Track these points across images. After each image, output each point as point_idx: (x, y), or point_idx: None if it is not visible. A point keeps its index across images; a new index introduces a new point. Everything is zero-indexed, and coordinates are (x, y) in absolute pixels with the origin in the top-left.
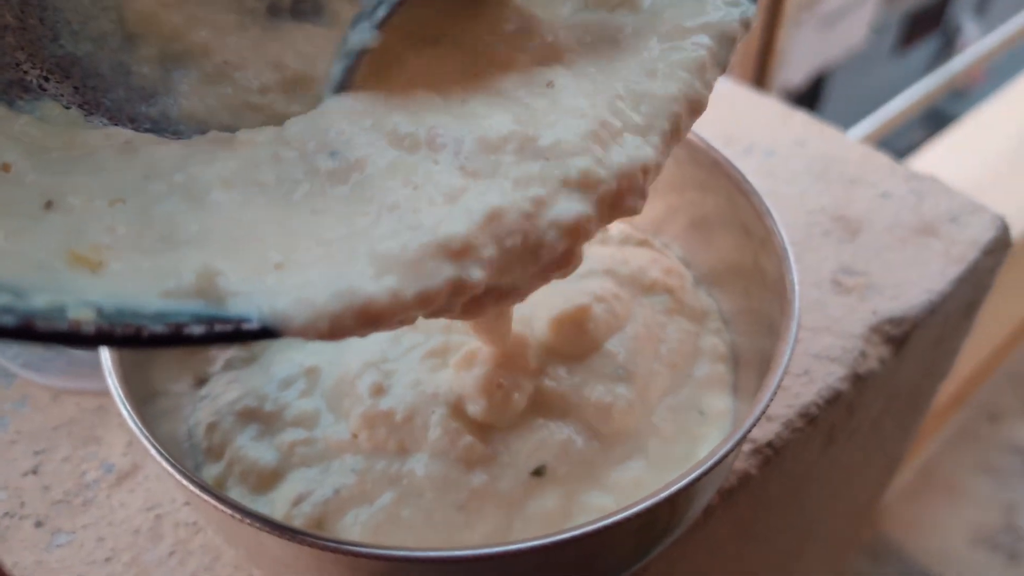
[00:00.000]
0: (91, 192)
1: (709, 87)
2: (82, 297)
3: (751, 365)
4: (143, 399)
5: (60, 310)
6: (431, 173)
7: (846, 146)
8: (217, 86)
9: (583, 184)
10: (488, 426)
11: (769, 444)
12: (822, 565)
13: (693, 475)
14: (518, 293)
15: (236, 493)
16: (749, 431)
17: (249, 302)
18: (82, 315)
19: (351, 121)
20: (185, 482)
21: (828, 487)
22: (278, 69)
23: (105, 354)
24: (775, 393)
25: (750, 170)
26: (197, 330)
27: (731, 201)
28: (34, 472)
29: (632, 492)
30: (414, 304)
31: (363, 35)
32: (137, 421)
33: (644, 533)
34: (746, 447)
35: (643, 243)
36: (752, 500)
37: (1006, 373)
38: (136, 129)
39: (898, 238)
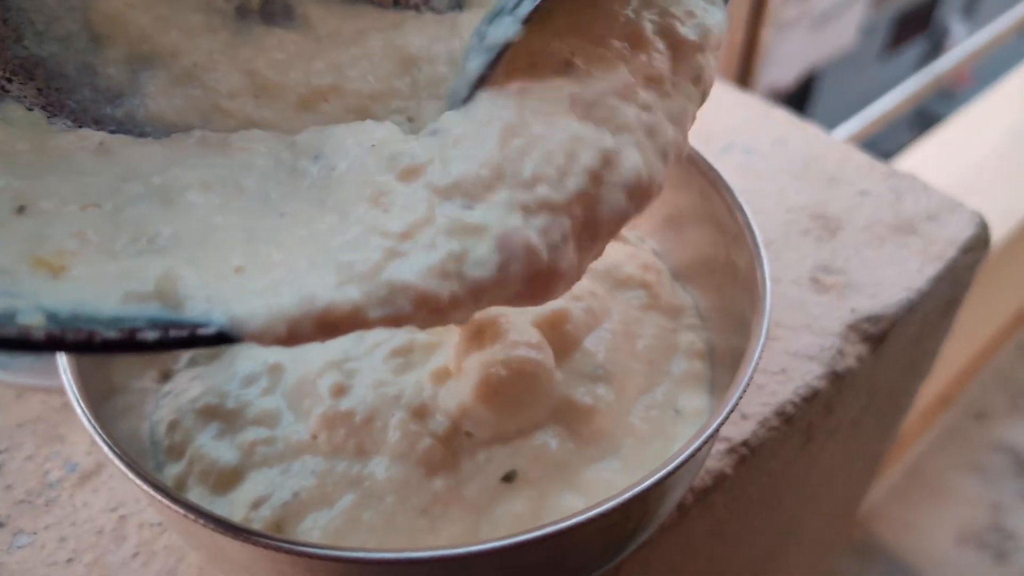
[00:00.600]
0: (64, 196)
1: None
2: (37, 302)
3: (727, 362)
4: (103, 396)
5: (10, 315)
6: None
7: (826, 144)
8: (186, 88)
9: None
10: (453, 433)
11: (745, 443)
12: (804, 566)
13: (660, 474)
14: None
15: (196, 494)
16: (717, 430)
17: (207, 306)
18: (33, 321)
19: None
20: (140, 482)
21: (808, 487)
22: (249, 74)
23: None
24: (745, 390)
25: (729, 168)
26: (151, 335)
27: (705, 197)
28: None
29: (605, 493)
30: (377, 316)
31: (507, 29)
32: (91, 417)
33: (613, 532)
34: (721, 446)
35: (617, 237)
36: (728, 500)
37: (992, 372)
38: (102, 131)
39: (877, 236)
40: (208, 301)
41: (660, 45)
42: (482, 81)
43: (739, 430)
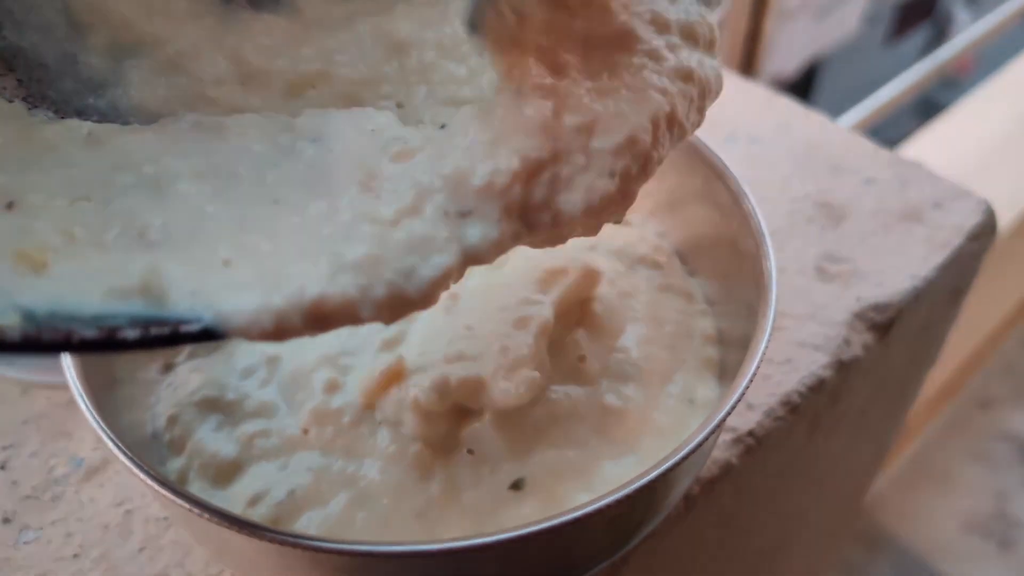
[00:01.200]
0: (53, 190)
1: None
2: (14, 300)
3: (736, 347)
4: (106, 388)
5: None
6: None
7: (830, 132)
8: (170, 77)
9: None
10: (451, 441)
11: (751, 433)
12: (810, 556)
13: (664, 466)
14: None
15: (197, 488)
16: (722, 422)
17: (191, 301)
18: (8, 321)
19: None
20: (145, 478)
21: (814, 477)
22: (235, 62)
23: None
24: (751, 380)
25: (734, 156)
26: (132, 334)
27: (709, 185)
28: (2, 467)
29: None
30: (370, 310)
31: None
32: (95, 414)
33: (620, 524)
34: (727, 436)
35: (622, 223)
36: (735, 490)
37: (997, 361)
38: (88, 122)
39: (882, 224)
40: (193, 296)
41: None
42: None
43: (745, 420)
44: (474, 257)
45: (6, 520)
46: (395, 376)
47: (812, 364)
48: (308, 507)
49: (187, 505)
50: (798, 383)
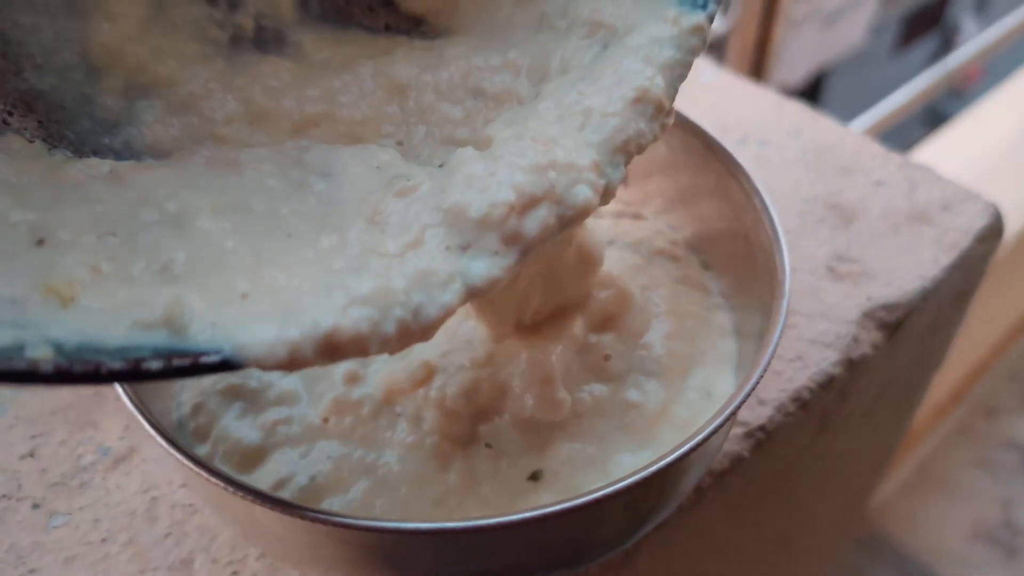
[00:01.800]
0: (80, 226)
1: None
2: (46, 333)
3: (751, 342)
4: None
5: (19, 348)
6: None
7: (840, 135)
8: (182, 116)
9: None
10: (470, 434)
11: (762, 428)
12: (816, 555)
13: (675, 454)
14: None
15: None
16: (734, 414)
17: (211, 333)
18: (41, 354)
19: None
20: (180, 456)
21: (821, 474)
22: (244, 102)
23: None
24: (764, 371)
25: (745, 159)
26: (155, 365)
27: (722, 182)
28: (31, 455)
29: None
30: (378, 344)
31: None
32: (133, 398)
33: (635, 508)
34: (738, 430)
35: (637, 217)
36: (745, 483)
37: (1004, 369)
38: (108, 160)
39: (891, 226)
40: (213, 328)
41: None
42: None
43: (756, 415)
44: (476, 293)
45: (36, 506)
46: (423, 380)
47: (822, 361)
48: (329, 493)
49: (222, 484)
50: (808, 379)
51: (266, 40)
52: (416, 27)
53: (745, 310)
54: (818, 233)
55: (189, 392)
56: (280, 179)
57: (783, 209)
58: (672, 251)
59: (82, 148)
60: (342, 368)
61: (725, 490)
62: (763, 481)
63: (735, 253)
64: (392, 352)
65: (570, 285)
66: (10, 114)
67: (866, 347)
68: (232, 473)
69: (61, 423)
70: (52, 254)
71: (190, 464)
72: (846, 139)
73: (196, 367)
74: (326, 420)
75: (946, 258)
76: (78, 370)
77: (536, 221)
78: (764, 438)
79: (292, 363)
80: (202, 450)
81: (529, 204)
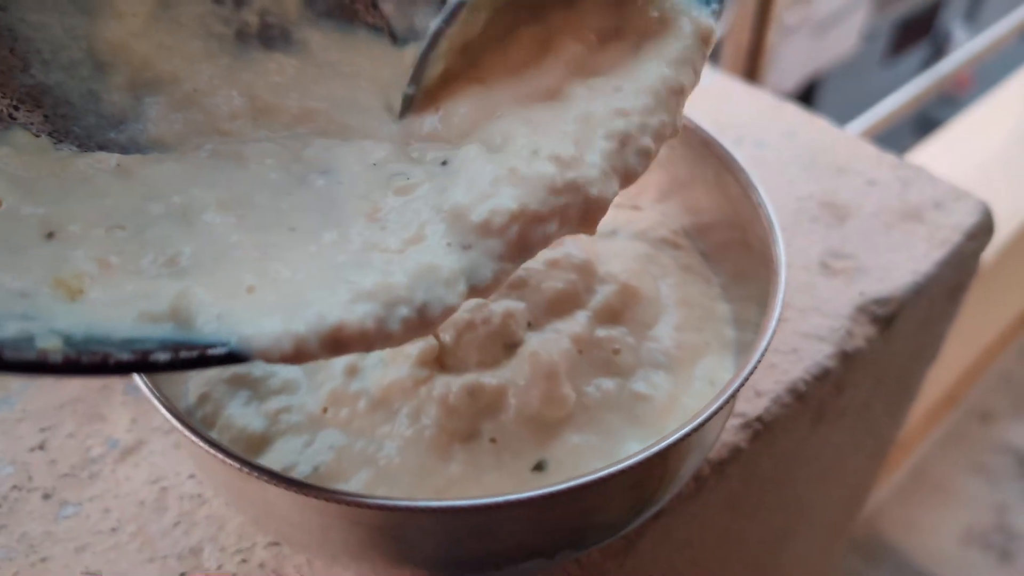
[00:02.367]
0: (90, 220)
1: None
2: (53, 326)
3: (751, 330)
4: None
5: (28, 339)
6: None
7: (834, 136)
8: (187, 112)
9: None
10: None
11: (759, 419)
12: (813, 552)
13: (675, 437)
14: None
15: None
16: (731, 398)
17: (217, 326)
18: (50, 345)
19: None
20: (196, 439)
21: (818, 467)
22: (249, 98)
23: None
24: (760, 359)
25: (741, 159)
26: (163, 357)
27: (720, 178)
28: (41, 447)
29: None
30: (383, 339)
31: None
32: (151, 387)
33: (635, 491)
34: (736, 421)
35: (635, 207)
36: (743, 473)
37: (997, 374)
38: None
39: (884, 223)
40: (219, 320)
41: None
42: (437, 38)
43: (754, 406)
44: (479, 293)
45: (46, 496)
46: (426, 379)
47: (817, 354)
48: (332, 482)
49: (238, 465)
50: (804, 372)
51: (272, 37)
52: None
53: (743, 300)
54: (812, 231)
55: (195, 382)
56: (282, 173)
57: (778, 208)
58: (674, 240)
59: (87, 143)
60: (343, 361)
61: (724, 480)
62: (761, 472)
63: (732, 246)
64: (394, 346)
65: None
66: (16, 108)
67: (860, 340)
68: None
69: (70, 416)
70: (62, 247)
71: (205, 446)
72: (840, 140)
73: (203, 359)
74: (325, 410)
75: (937, 254)
76: (86, 361)
77: (539, 233)
78: (762, 429)
79: (297, 356)
80: None
81: (533, 219)
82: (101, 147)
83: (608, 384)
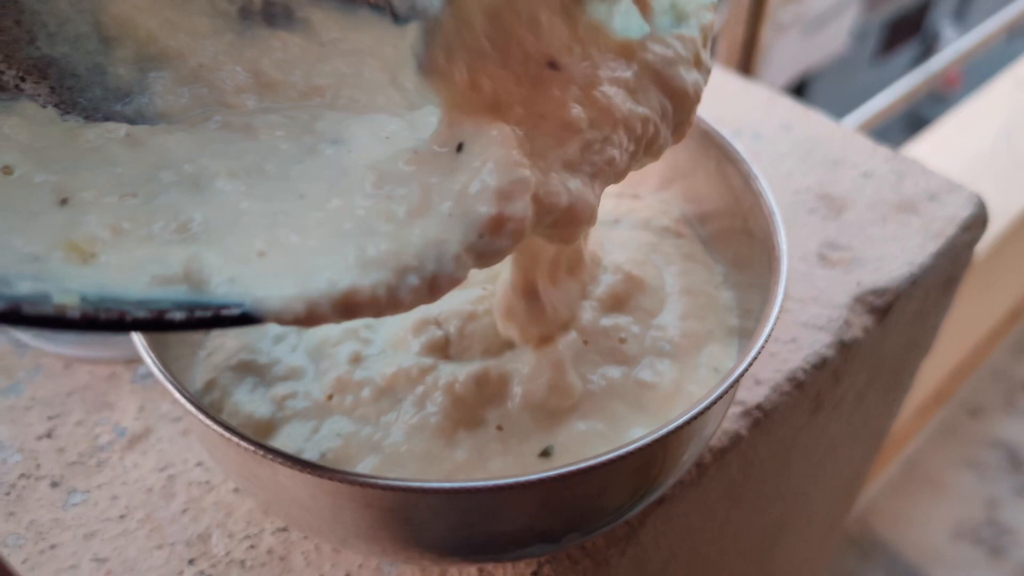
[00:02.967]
0: (102, 187)
1: None
2: (65, 287)
3: (752, 317)
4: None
5: (45, 296)
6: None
7: (830, 130)
8: (192, 87)
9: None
10: (474, 415)
11: (759, 407)
12: (807, 543)
13: (677, 423)
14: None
15: None
16: (733, 385)
17: (230, 288)
18: (67, 300)
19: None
20: (208, 421)
21: (815, 456)
22: (254, 74)
23: None
24: (763, 347)
25: (738, 149)
26: (178, 316)
27: (720, 167)
28: (48, 436)
29: None
30: (394, 304)
31: None
32: (165, 371)
33: (640, 475)
34: (736, 409)
35: (636, 196)
36: (743, 462)
37: (987, 370)
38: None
39: (880, 215)
40: (232, 283)
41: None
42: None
43: (754, 394)
44: (486, 261)
45: (54, 484)
46: (431, 369)
47: (816, 343)
48: (340, 468)
49: (251, 447)
50: (803, 360)
51: (275, 15)
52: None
53: (745, 287)
54: (809, 222)
55: (201, 368)
56: (292, 143)
57: (776, 200)
58: (676, 228)
59: (94, 115)
60: (347, 349)
61: (724, 467)
62: (760, 461)
63: (733, 234)
64: (401, 312)
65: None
66: (23, 79)
67: (857, 330)
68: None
69: (77, 404)
70: (75, 213)
71: (220, 429)
72: (836, 133)
73: (217, 319)
74: (330, 397)
75: (933, 245)
76: (104, 317)
77: (544, 222)
78: (761, 417)
79: (309, 319)
80: None
81: (543, 212)
82: (107, 119)
83: (614, 372)
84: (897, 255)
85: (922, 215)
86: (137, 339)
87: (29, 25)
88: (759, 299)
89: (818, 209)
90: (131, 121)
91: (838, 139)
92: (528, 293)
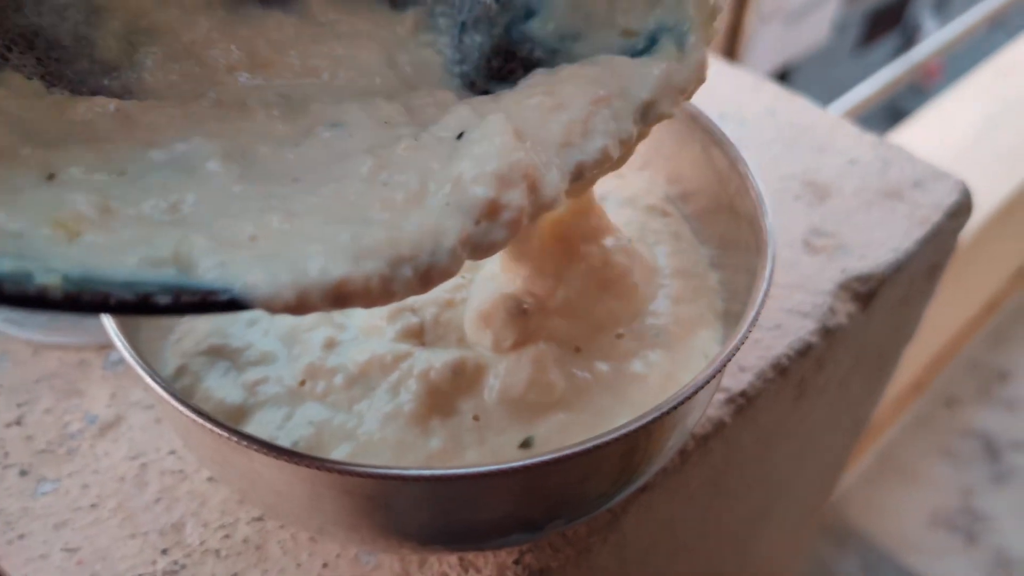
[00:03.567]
0: (91, 163)
1: None
2: (48, 265)
3: (736, 303)
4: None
5: (28, 275)
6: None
7: (815, 116)
8: (183, 63)
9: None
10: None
11: (742, 393)
12: (785, 531)
13: (660, 411)
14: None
15: None
16: (717, 372)
17: (219, 272)
18: (50, 280)
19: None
20: (183, 408)
21: (796, 443)
22: (248, 53)
23: None
24: (747, 334)
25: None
26: (164, 299)
27: (706, 152)
28: (17, 423)
29: None
30: (386, 295)
31: None
32: (139, 360)
33: (623, 462)
34: (720, 396)
35: (619, 176)
36: (726, 448)
37: (963, 360)
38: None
39: (865, 202)
40: (221, 267)
41: None
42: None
43: (738, 381)
44: (482, 253)
45: (23, 472)
46: (406, 356)
47: (800, 330)
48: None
49: (226, 434)
50: (787, 347)
51: None
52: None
53: (731, 268)
54: (795, 209)
55: (172, 352)
56: (288, 124)
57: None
58: (663, 207)
59: (80, 89)
60: (320, 333)
61: (707, 454)
62: (743, 448)
63: (719, 213)
64: (393, 302)
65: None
66: (9, 49)
67: (841, 317)
68: None
69: (47, 391)
70: (62, 190)
71: (193, 415)
72: (821, 120)
73: (204, 304)
74: (302, 383)
75: (918, 232)
76: (87, 299)
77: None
78: (745, 404)
79: (299, 307)
80: None
81: (540, 209)
82: (94, 93)
83: (603, 367)
84: (882, 242)
85: (907, 202)
86: (108, 323)
87: None
88: (744, 281)
89: (803, 196)
90: (119, 96)
91: (823, 125)
92: (514, 301)
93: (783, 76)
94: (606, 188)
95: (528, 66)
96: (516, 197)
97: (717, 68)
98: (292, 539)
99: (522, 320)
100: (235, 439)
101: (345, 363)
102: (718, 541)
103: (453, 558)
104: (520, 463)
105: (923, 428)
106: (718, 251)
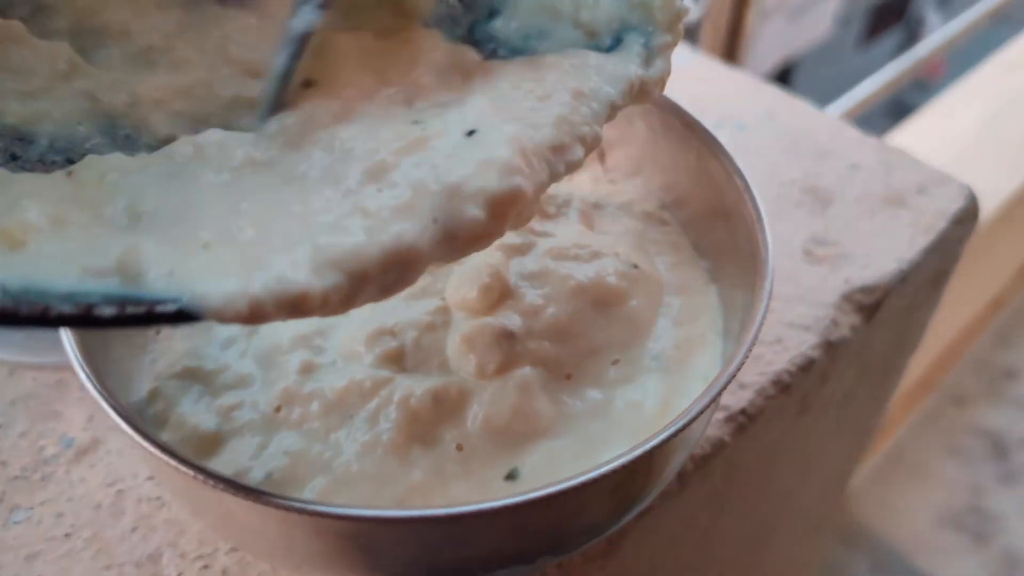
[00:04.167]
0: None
1: None
2: None
3: (734, 319)
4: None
5: None
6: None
7: (816, 119)
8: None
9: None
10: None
11: (743, 411)
12: (793, 548)
13: (655, 441)
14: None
15: None
16: (716, 398)
17: (168, 283)
18: None
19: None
20: (147, 444)
21: (801, 459)
22: (226, 61)
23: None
24: (748, 352)
25: (721, 142)
26: (107, 311)
27: (702, 162)
28: None
29: None
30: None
31: (307, 17)
32: (98, 385)
33: (616, 495)
34: (720, 415)
35: (613, 181)
36: (727, 468)
37: (972, 359)
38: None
39: (868, 209)
40: (170, 276)
41: None
42: (287, 77)
43: (738, 399)
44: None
45: None
46: (387, 381)
47: (802, 344)
48: (287, 489)
49: (192, 473)
50: (788, 363)
51: None
52: None
53: (728, 282)
54: (795, 217)
55: (145, 376)
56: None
57: (760, 193)
58: (660, 215)
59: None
60: (297, 357)
61: (708, 476)
62: (745, 466)
63: (716, 224)
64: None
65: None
66: None
67: (845, 330)
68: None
69: (21, 413)
70: (16, 192)
71: (158, 452)
72: (822, 123)
73: (151, 316)
74: (278, 409)
75: (923, 240)
76: (25, 312)
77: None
78: (746, 422)
79: (252, 317)
80: (163, 437)
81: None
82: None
83: (595, 395)
84: (886, 251)
85: (911, 208)
86: (68, 343)
87: None
88: (742, 297)
89: (804, 203)
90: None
91: (824, 129)
92: (499, 324)
93: (786, 72)
94: (599, 195)
95: None
96: (502, 225)
97: (715, 70)
98: (272, 572)
99: (507, 343)
100: (201, 477)
101: (322, 388)
102: (724, 556)
103: None
104: (504, 502)
105: (932, 427)
106: (716, 263)
